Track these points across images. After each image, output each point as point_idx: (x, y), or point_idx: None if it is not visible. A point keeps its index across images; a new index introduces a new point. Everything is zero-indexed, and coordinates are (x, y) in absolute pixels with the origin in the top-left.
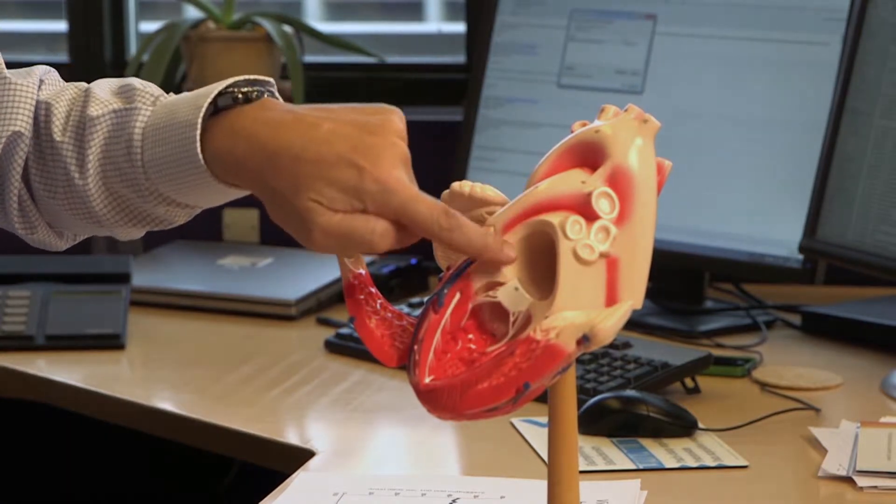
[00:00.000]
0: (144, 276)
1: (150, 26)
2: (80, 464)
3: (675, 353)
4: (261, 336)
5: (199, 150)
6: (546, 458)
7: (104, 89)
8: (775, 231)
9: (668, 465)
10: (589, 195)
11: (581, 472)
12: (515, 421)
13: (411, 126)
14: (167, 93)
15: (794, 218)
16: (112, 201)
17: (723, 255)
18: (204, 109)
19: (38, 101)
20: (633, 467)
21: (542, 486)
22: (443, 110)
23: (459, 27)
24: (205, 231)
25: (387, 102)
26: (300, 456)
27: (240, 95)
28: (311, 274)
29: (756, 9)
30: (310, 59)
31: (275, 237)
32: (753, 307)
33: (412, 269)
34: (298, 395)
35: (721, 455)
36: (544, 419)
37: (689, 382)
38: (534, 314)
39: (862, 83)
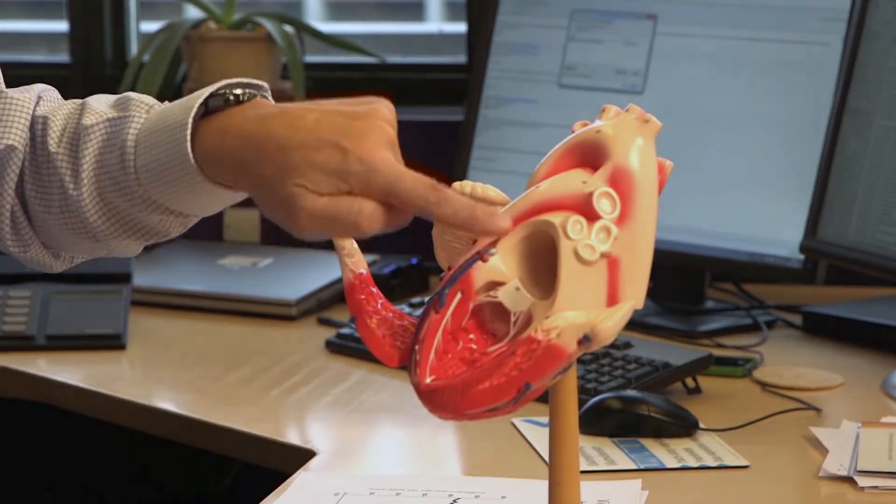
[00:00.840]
0: (145, 276)
1: (150, 26)
2: (81, 464)
3: (676, 353)
4: (261, 336)
5: (189, 149)
6: (547, 458)
7: (100, 101)
8: (776, 231)
9: (669, 465)
10: (590, 195)
11: (582, 472)
12: (516, 421)
13: (412, 126)
14: (166, 97)
15: (794, 218)
16: (106, 211)
17: (724, 255)
18: (195, 110)
19: (35, 116)
20: (634, 467)
21: (543, 486)
22: (443, 110)
23: (460, 27)
24: (205, 231)
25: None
26: (301, 456)
27: (231, 97)
28: (312, 274)
29: (757, 9)
30: (310, 59)
31: (275, 237)
32: (754, 307)
33: (413, 269)
34: (299, 395)
35: (722, 455)
36: (545, 419)
37: (689, 382)
38: (535, 314)
39: (863, 83)
